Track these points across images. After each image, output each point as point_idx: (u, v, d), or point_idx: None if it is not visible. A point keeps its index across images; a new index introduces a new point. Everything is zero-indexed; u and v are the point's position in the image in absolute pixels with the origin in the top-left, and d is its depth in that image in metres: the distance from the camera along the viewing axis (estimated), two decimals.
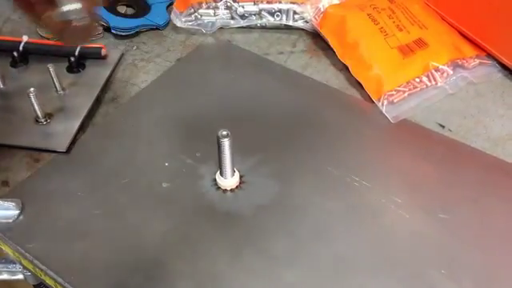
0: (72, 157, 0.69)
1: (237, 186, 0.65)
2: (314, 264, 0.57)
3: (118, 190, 0.65)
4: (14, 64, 0.80)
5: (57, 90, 0.76)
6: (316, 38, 0.87)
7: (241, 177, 0.66)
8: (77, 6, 0.49)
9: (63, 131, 0.70)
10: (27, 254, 0.59)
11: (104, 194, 0.64)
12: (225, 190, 0.64)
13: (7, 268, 0.67)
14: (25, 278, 0.67)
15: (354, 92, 0.78)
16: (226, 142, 0.59)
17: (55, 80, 0.75)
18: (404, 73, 0.76)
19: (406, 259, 0.58)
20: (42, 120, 0.72)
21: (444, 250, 0.58)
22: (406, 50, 0.77)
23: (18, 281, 0.68)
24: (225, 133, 0.59)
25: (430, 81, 0.76)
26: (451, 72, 0.77)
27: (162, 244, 0.59)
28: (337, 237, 0.60)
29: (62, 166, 0.68)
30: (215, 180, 0.65)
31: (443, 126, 0.72)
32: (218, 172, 0.64)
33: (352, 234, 0.60)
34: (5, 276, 0.67)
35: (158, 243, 0.59)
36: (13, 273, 0.67)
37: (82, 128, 0.72)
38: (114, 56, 0.83)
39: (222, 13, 0.87)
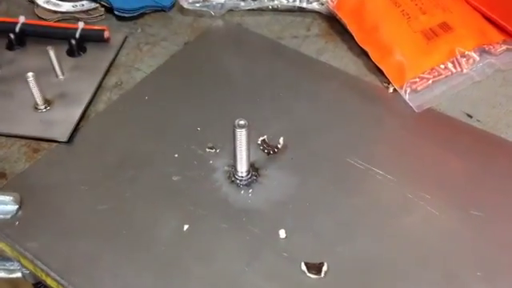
0: (74, 147, 0.64)
1: (253, 180, 0.60)
2: (338, 266, 0.53)
3: (125, 184, 0.60)
4: (11, 46, 0.75)
5: (57, 75, 0.72)
6: (331, 21, 0.82)
7: (256, 169, 0.61)
8: None
9: (64, 119, 0.66)
10: (27, 253, 0.54)
11: (109, 188, 0.60)
12: (240, 184, 0.60)
13: (4, 266, 0.62)
14: (23, 277, 0.63)
15: (373, 79, 0.73)
16: (243, 133, 0.54)
17: (55, 64, 0.71)
18: (428, 59, 0.71)
19: (437, 260, 0.53)
20: (42, 107, 0.67)
21: (479, 250, 0.54)
22: (430, 34, 0.72)
23: (15, 279, 0.64)
24: (242, 122, 0.54)
25: (455, 67, 0.71)
26: (477, 58, 0.72)
27: (174, 242, 0.55)
28: (362, 236, 0.55)
29: (63, 156, 0.63)
30: (229, 173, 0.61)
31: (471, 116, 0.68)
32: (233, 164, 0.60)
33: (378, 232, 0.56)
34: (2, 274, 0.63)
35: (169, 241, 0.55)
36: (11, 271, 0.63)
37: (83, 116, 0.67)
38: (117, 39, 0.78)
39: None
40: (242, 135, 0.54)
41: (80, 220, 0.57)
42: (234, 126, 0.54)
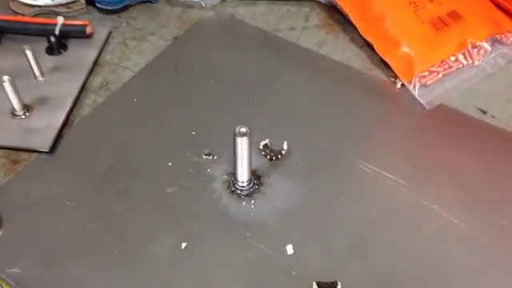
0: (57, 157, 0.59)
1: (255, 190, 0.55)
2: (352, 285, 0.48)
3: (115, 198, 0.55)
4: None
5: (35, 77, 0.66)
6: (331, 10, 0.76)
7: (258, 177, 0.56)
8: None
9: (45, 126, 0.61)
10: (9, 280, 0.49)
11: (97, 203, 0.54)
12: (241, 195, 0.55)
13: None
14: None
15: (378, 73, 0.68)
16: (244, 141, 0.49)
17: (33, 64, 0.65)
18: (437, 51, 0.66)
19: (459, 273, 0.49)
20: (20, 113, 0.61)
21: (503, 261, 0.50)
22: (439, 24, 0.67)
23: None
24: (243, 130, 0.49)
25: (466, 59, 0.67)
26: (489, 49, 0.68)
27: (171, 262, 0.50)
28: (376, 249, 0.51)
29: (45, 168, 0.58)
30: (229, 182, 0.56)
31: (485, 112, 0.63)
32: (233, 172, 0.55)
33: (394, 245, 0.51)
34: None
35: (166, 261, 0.50)
36: None
37: (67, 122, 0.62)
38: (100, 34, 0.72)
39: None
40: (243, 144, 0.49)
41: (66, 240, 0.52)
42: (235, 134, 0.49)
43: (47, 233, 0.52)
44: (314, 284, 0.48)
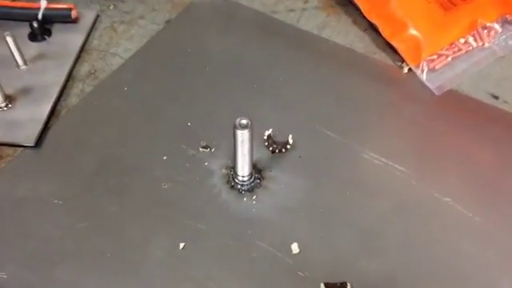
0: (43, 152, 0.55)
1: (256, 184, 0.52)
2: (363, 285, 0.45)
3: (106, 195, 0.51)
4: None
5: (18, 65, 0.62)
6: None
7: (259, 171, 0.53)
8: None
9: (30, 119, 0.57)
10: None
11: (88, 201, 0.51)
12: (241, 190, 0.51)
13: None
14: None
15: (384, 57, 0.65)
16: (245, 134, 0.46)
17: (15, 52, 0.61)
18: (446, 32, 0.63)
19: (474, 269, 0.47)
20: (2, 105, 0.58)
21: None
22: (448, 5, 0.63)
23: None
24: (244, 122, 0.45)
25: (476, 41, 0.63)
26: (500, 30, 0.64)
27: (168, 264, 0.47)
28: (387, 246, 0.48)
29: (30, 164, 0.54)
30: (228, 176, 0.52)
31: (497, 97, 0.60)
32: (232, 166, 0.51)
33: (406, 242, 0.48)
34: None
35: (163, 263, 0.47)
36: None
37: (53, 113, 0.58)
38: (86, 18, 0.68)
39: None
40: (244, 137, 0.46)
41: (55, 242, 0.48)
42: (235, 127, 0.45)
43: (34, 234, 0.49)
44: (322, 285, 0.45)
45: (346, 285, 0.45)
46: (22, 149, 0.55)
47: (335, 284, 0.45)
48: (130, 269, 0.46)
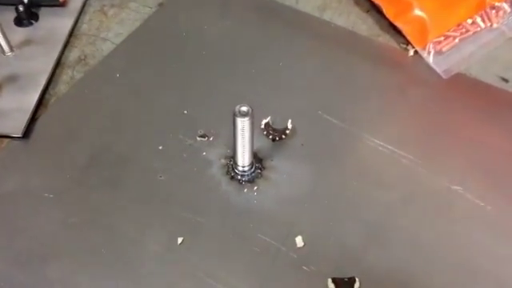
0: (31, 143, 0.52)
1: (257, 175, 0.49)
2: (371, 280, 0.43)
3: (99, 188, 0.49)
4: None
5: (3, 52, 0.60)
6: None
7: (260, 160, 0.50)
8: None
9: (17, 108, 0.54)
10: None
11: (80, 195, 0.48)
12: (242, 181, 0.49)
13: None
14: None
15: (388, 40, 0.62)
16: (246, 122, 0.43)
17: (0, 38, 0.58)
18: (453, 13, 0.60)
19: (486, 261, 0.44)
20: None
21: None
22: None
23: None
24: (245, 109, 0.43)
25: (484, 22, 0.60)
26: (509, 10, 0.61)
27: (166, 261, 0.44)
28: (397, 240, 0.46)
29: (18, 156, 0.52)
30: (227, 166, 0.50)
31: (507, 80, 0.58)
32: (232, 156, 0.49)
33: (416, 234, 0.46)
34: None
35: (160, 260, 0.44)
36: None
37: (41, 102, 0.56)
38: (75, 2, 0.66)
39: None
40: (244, 125, 0.43)
41: (46, 238, 0.46)
42: (235, 114, 0.43)
43: (23, 231, 0.46)
44: (330, 281, 0.42)
45: (355, 280, 0.42)
46: (8, 140, 0.52)
47: (343, 279, 0.43)
48: (125, 266, 0.44)
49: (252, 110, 0.43)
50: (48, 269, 0.44)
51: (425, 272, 0.44)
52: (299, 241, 0.45)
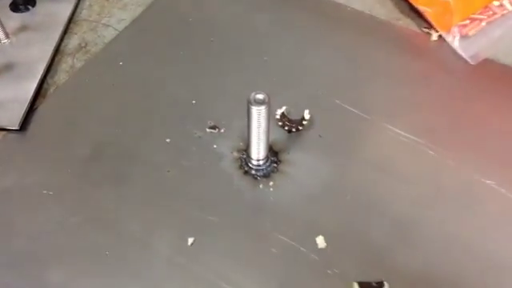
0: (29, 136, 0.50)
1: (273, 169, 0.45)
2: (401, 284, 0.39)
3: (103, 184, 0.46)
4: None
5: None
6: None
7: (275, 153, 0.47)
8: None
9: (13, 99, 0.52)
10: None
11: (82, 192, 0.45)
12: (256, 176, 0.45)
13: None
14: None
15: (409, 24, 0.58)
16: (262, 111, 0.39)
17: None
18: None
19: None
20: None
21: None
22: None
23: None
24: (261, 97, 0.39)
25: (511, 4, 0.56)
26: None
27: (175, 263, 0.41)
28: (427, 239, 0.42)
29: (15, 150, 0.49)
30: (241, 160, 0.46)
31: None
32: (245, 149, 0.45)
33: (447, 233, 0.42)
34: None
35: (169, 262, 0.41)
36: None
37: (39, 92, 0.53)
38: None
39: None
40: (260, 114, 0.40)
41: (45, 239, 0.43)
42: (250, 103, 0.39)
43: (20, 230, 0.43)
44: (356, 285, 0.39)
45: (383, 284, 0.39)
46: (4, 133, 0.50)
47: (370, 283, 0.39)
48: (131, 269, 0.41)
49: (269, 98, 0.39)
50: (47, 273, 0.41)
51: (457, 273, 0.40)
52: (320, 241, 0.42)
